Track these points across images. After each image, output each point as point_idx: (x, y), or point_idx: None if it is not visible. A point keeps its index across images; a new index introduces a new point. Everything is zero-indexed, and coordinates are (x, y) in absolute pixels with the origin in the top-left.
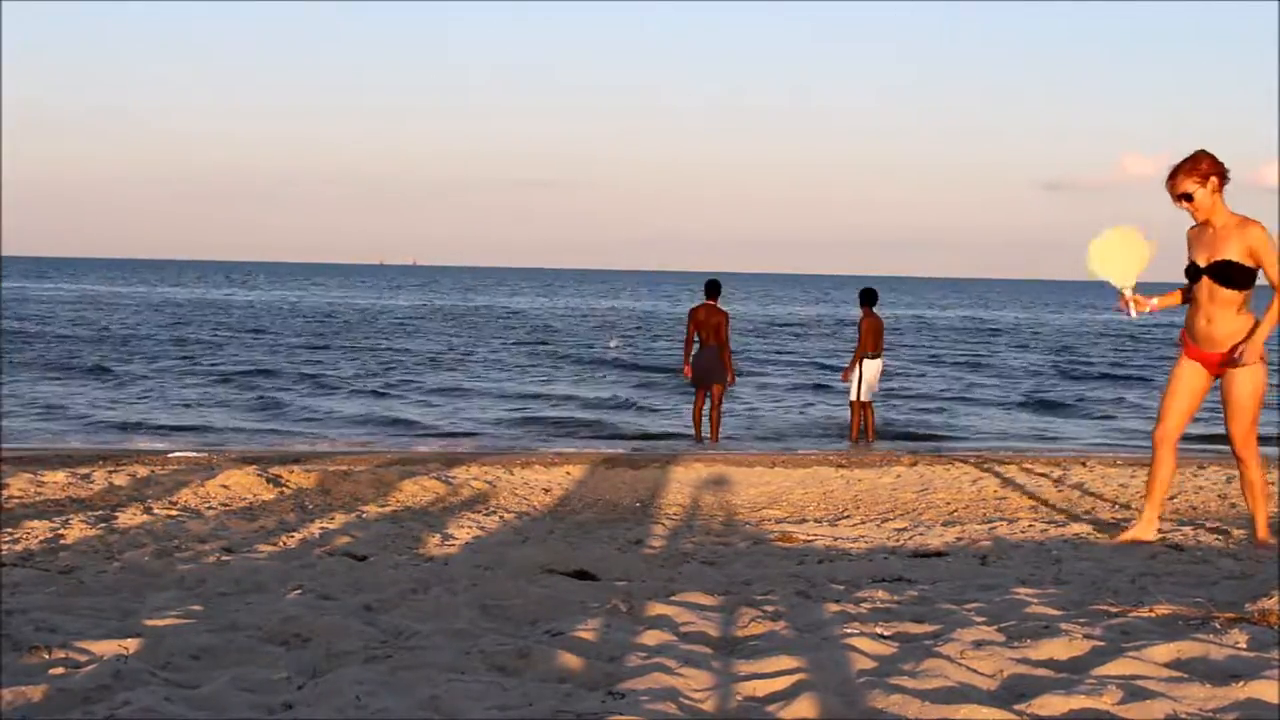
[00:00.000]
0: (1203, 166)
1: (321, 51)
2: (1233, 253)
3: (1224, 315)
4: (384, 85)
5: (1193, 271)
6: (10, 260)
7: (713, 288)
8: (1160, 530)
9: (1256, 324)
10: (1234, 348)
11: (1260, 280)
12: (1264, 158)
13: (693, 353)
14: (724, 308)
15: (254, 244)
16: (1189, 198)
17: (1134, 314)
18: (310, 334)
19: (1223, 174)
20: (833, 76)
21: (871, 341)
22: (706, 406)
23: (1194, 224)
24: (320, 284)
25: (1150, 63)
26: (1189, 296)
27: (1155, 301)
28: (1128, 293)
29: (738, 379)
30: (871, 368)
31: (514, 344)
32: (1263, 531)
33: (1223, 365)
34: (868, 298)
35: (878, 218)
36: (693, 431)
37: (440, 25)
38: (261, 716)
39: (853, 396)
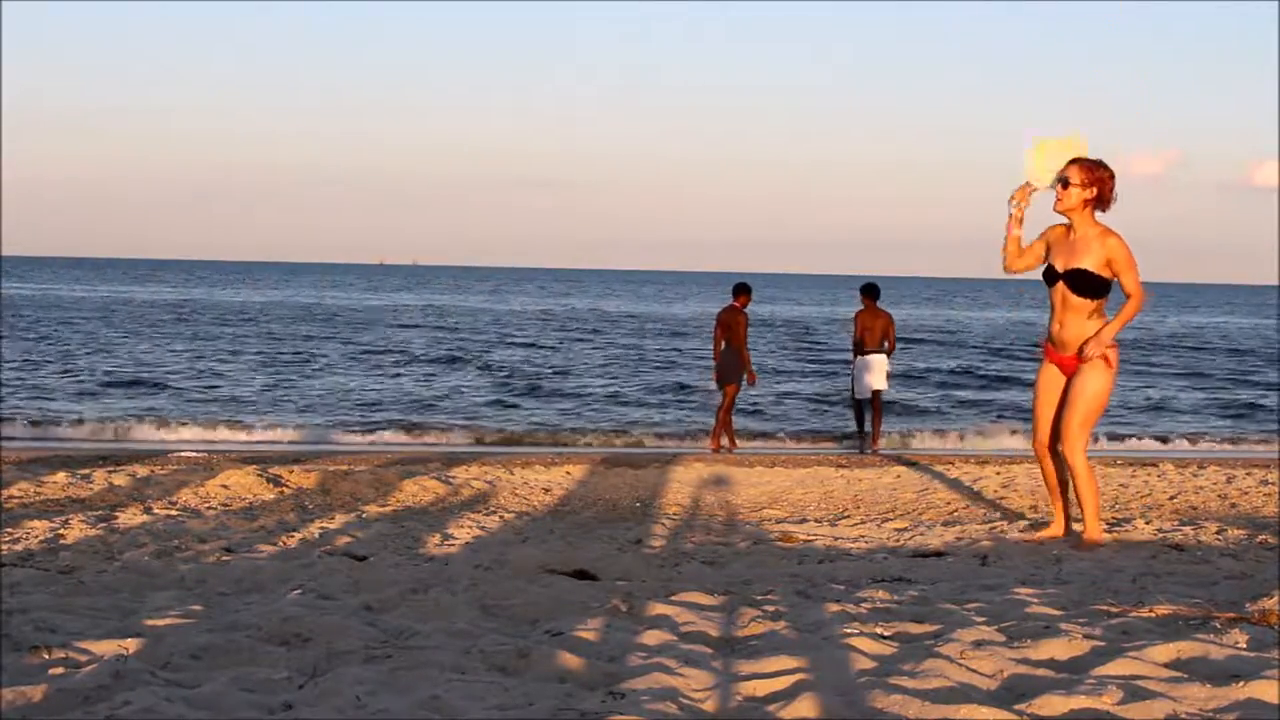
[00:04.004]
0: (1098, 174)
1: (321, 51)
2: (1089, 262)
3: (1075, 320)
4: (384, 85)
5: (1050, 275)
6: (10, 260)
7: (738, 289)
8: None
9: (1106, 324)
10: (1083, 344)
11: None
12: (1263, 157)
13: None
14: (745, 310)
15: (254, 244)
16: (1066, 183)
17: (1015, 208)
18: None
19: (1106, 195)
20: (829, 76)
21: (868, 337)
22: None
23: (1056, 224)
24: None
25: (1150, 61)
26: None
27: (1018, 232)
28: (1031, 192)
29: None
30: (862, 364)
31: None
32: (1090, 531)
33: (1078, 359)
34: (866, 291)
35: (876, 218)
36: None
37: (440, 25)
38: (261, 716)
39: (849, 392)
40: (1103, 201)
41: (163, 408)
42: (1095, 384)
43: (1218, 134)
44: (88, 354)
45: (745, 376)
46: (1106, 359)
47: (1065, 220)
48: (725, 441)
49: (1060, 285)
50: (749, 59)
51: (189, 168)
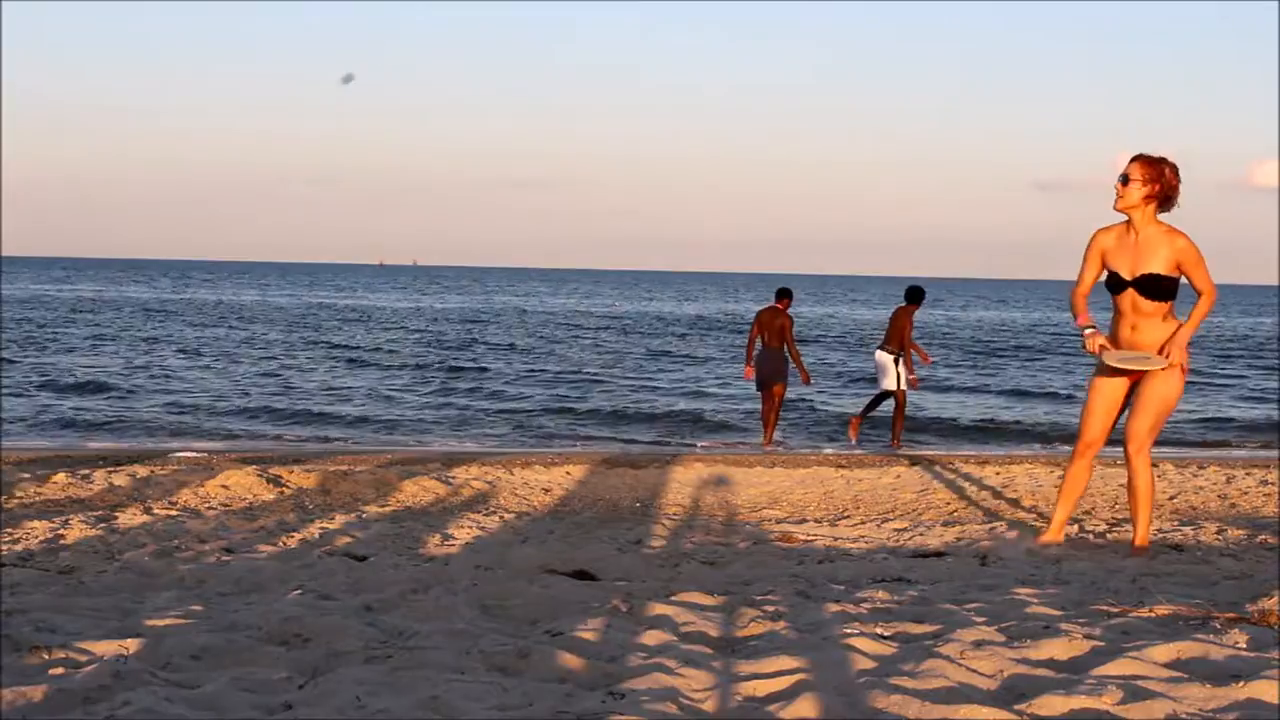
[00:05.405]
0: (1158, 170)
1: (321, 50)
2: (1157, 264)
3: (1149, 324)
4: (385, 85)
5: (1116, 283)
6: (9, 260)
7: (782, 293)
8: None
9: (1180, 326)
10: (1162, 347)
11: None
12: (1261, 157)
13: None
14: (789, 312)
15: (254, 244)
16: (1125, 180)
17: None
18: None
19: (1169, 193)
20: (826, 76)
21: (889, 335)
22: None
23: (1105, 228)
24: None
25: (1148, 60)
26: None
27: (1097, 335)
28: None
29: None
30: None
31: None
32: (1142, 538)
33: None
34: (908, 293)
35: (873, 217)
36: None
37: (440, 25)
38: (261, 716)
39: None
40: (1165, 200)
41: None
42: (1169, 388)
43: (1217, 134)
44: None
45: (800, 376)
46: (1183, 368)
47: (1122, 218)
48: (770, 437)
49: (1130, 292)
50: (751, 60)
51: (187, 167)
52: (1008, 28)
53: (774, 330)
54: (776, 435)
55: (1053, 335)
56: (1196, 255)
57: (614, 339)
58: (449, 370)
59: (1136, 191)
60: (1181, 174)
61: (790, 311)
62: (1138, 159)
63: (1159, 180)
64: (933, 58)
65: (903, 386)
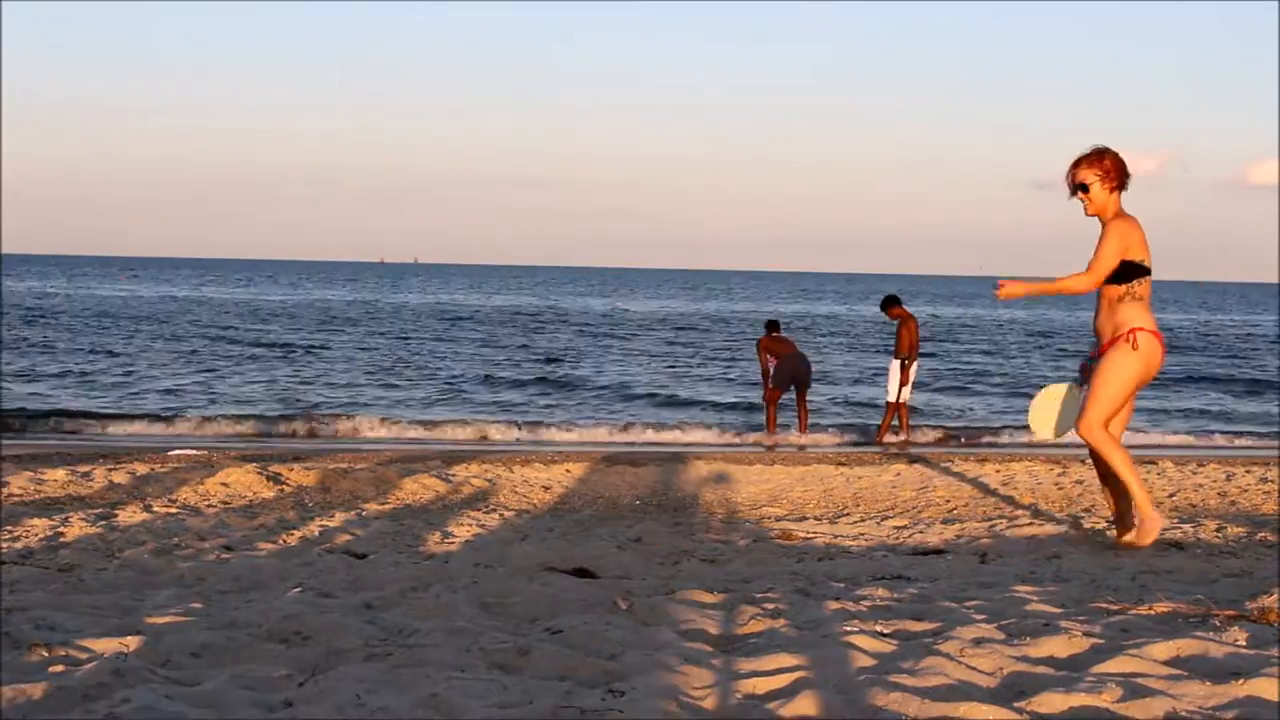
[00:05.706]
0: (1105, 163)
1: (321, 50)
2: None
3: (1105, 308)
4: (384, 84)
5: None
6: (8, 259)
7: (772, 325)
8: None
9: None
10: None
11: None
12: (1259, 156)
13: (774, 366)
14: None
15: (254, 243)
16: (1085, 189)
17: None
18: None
19: (1122, 176)
20: (825, 76)
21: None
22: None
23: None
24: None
25: (1148, 60)
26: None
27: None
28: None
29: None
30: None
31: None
32: (1127, 526)
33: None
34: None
35: (872, 217)
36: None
37: (440, 25)
38: (261, 714)
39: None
40: (1123, 184)
41: None
42: (1114, 367)
43: (1215, 133)
44: None
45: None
46: (1133, 342)
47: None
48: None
49: None
50: (750, 60)
51: (187, 167)
52: (1007, 28)
53: (785, 346)
54: (779, 434)
55: (1047, 334)
56: (1107, 234)
57: (607, 338)
58: (430, 370)
59: (1098, 191)
60: (1120, 152)
61: (778, 319)
62: (1082, 163)
63: (1109, 170)
64: (932, 58)
65: (903, 399)
